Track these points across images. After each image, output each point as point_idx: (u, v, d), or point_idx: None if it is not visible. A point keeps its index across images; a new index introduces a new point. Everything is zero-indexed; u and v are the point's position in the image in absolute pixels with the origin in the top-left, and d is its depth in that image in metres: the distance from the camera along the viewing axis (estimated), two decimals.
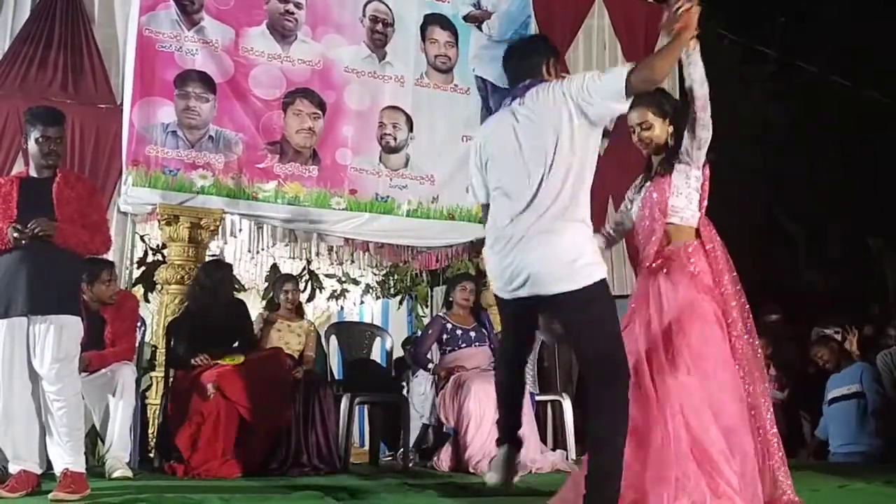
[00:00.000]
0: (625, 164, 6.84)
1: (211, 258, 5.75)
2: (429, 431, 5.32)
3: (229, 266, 5.26)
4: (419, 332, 6.37)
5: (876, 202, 10.88)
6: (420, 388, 5.29)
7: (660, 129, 3.08)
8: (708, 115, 2.95)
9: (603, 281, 2.70)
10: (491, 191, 2.93)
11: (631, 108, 2.84)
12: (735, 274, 3.03)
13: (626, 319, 2.98)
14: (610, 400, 2.64)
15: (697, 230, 3.05)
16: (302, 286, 6.43)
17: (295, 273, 6.51)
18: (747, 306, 3.01)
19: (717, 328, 2.90)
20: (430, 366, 5.14)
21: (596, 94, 2.70)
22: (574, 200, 2.72)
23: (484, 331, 5.23)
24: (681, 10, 2.86)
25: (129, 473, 4.14)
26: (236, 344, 4.71)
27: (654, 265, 3.01)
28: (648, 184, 3.11)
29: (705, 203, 3.07)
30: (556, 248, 2.68)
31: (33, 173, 3.68)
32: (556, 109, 2.74)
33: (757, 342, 3.00)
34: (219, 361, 4.49)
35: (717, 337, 2.89)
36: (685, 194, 3.03)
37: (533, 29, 6.68)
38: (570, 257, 2.67)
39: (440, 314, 5.35)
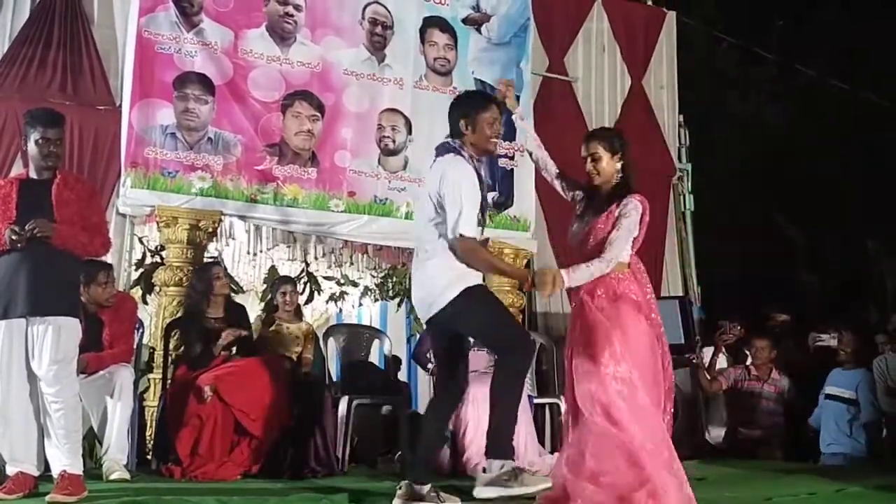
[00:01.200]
0: None
1: (208, 260, 5.74)
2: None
3: (219, 265, 5.25)
4: (418, 335, 6.38)
5: (874, 205, 10.90)
6: None
7: (607, 163, 3.47)
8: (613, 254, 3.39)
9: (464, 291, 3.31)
10: None
11: (584, 141, 3.52)
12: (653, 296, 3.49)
13: (579, 351, 3.37)
14: (502, 370, 3.36)
15: (629, 264, 3.45)
16: (300, 288, 6.42)
17: (293, 275, 6.50)
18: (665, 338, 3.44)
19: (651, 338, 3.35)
20: (430, 366, 5.14)
21: (447, 215, 3.33)
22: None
23: None
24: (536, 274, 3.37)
25: (127, 475, 4.14)
26: (234, 350, 4.71)
27: (590, 287, 3.39)
28: (592, 216, 3.47)
29: (639, 244, 3.48)
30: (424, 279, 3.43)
31: (33, 175, 3.69)
32: (433, 192, 3.40)
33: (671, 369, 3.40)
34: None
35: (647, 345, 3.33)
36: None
37: (532, 32, 6.69)
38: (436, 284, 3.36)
39: None
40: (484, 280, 3.61)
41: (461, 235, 3.29)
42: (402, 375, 6.59)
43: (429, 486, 3.35)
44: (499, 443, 3.34)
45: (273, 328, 5.20)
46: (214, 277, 4.83)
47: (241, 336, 4.66)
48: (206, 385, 4.33)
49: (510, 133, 6.47)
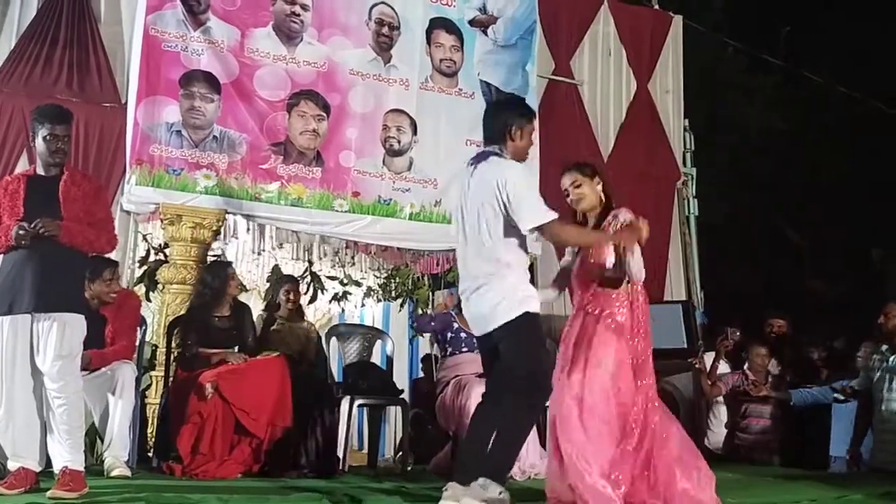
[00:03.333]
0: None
1: (213, 258, 5.75)
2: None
3: (231, 265, 5.26)
4: (419, 337, 6.40)
5: (879, 212, 10.88)
6: None
7: (588, 188, 3.57)
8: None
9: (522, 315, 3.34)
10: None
11: (561, 176, 3.61)
12: (649, 328, 3.50)
13: (559, 360, 3.48)
14: (520, 400, 3.32)
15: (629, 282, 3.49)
16: (303, 288, 6.43)
17: (297, 274, 6.51)
18: (651, 358, 3.45)
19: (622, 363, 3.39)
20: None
21: (516, 214, 3.32)
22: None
23: None
24: (622, 224, 3.42)
25: (128, 472, 4.15)
26: (236, 348, 4.71)
27: (585, 303, 3.49)
28: None
29: None
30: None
31: (40, 171, 3.70)
32: (488, 194, 3.36)
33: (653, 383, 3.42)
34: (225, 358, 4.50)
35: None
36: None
37: (538, 34, 6.69)
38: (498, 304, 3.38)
39: (451, 311, 5.34)
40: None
41: (548, 225, 3.32)
42: (402, 377, 6.59)
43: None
44: (500, 467, 3.31)
45: (274, 327, 5.20)
46: (230, 277, 4.85)
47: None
48: (208, 382, 4.33)
49: None
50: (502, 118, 3.52)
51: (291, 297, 5.28)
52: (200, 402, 4.32)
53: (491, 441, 3.29)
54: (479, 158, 3.49)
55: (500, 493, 3.22)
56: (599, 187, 3.59)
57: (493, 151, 3.48)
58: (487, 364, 3.60)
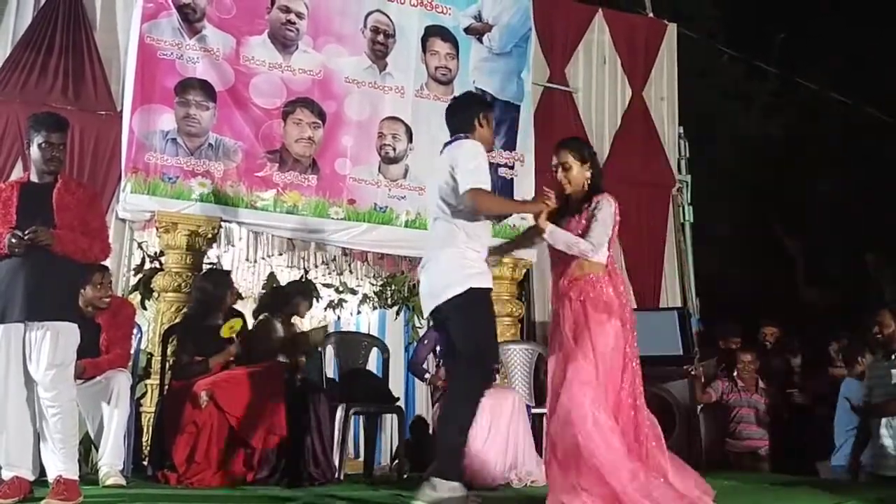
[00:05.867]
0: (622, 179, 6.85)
1: (209, 266, 5.74)
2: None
3: (230, 274, 5.27)
4: (416, 343, 6.36)
5: (874, 218, 10.91)
6: None
7: (577, 172, 3.56)
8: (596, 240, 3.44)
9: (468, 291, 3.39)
10: None
11: (554, 150, 3.62)
12: (633, 308, 3.58)
13: (556, 352, 3.47)
14: (461, 383, 3.42)
15: (606, 265, 3.49)
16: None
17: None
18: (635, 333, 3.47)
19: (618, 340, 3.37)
20: (427, 376, 5.13)
21: (457, 179, 3.43)
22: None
23: None
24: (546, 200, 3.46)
25: (123, 481, 4.12)
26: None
27: (564, 290, 3.46)
28: (565, 221, 3.52)
29: (613, 244, 3.54)
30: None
31: (34, 179, 3.69)
32: (446, 174, 3.49)
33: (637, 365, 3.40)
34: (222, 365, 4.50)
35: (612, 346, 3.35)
36: None
37: (533, 42, 6.71)
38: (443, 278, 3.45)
39: None
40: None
41: (472, 189, 3.37)
42: (398, 384, 6.58)
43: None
44: (449, 463, 3.34)
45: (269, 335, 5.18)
46: (230, 286, 4.85)
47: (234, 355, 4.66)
48: (203, 391, 4.32)
49: (510, 142, 6.49)
50: (470, 109, 3.68)
51: (300, 310, 5.29)
52: (195, 410, 4.30)
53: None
54: (449, 143, 3.65)
55: (450, 488, 3.25)
56: (588, 173, 3.57)
57: (460, 137, 3.62)
58: (444, 344, 3.71)
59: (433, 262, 3.53)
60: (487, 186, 3.45)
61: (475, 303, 3.42)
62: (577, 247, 3.44)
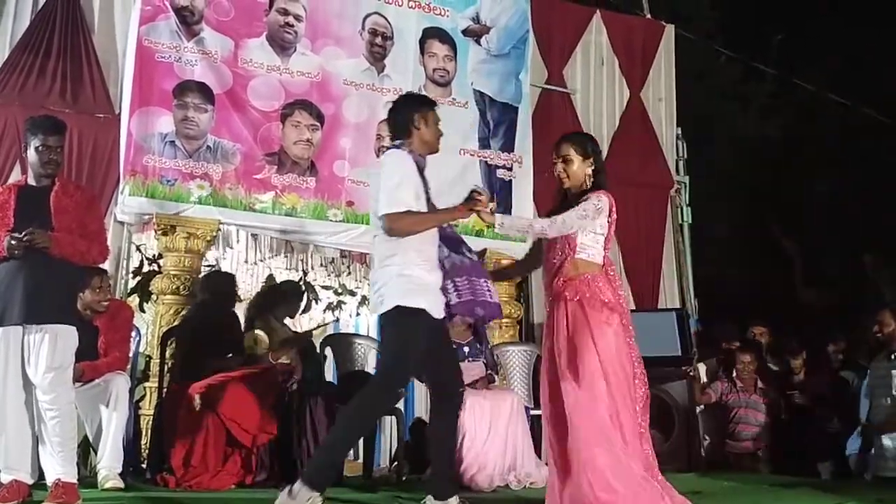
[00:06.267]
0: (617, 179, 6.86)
1: (208, 268, 5.73)
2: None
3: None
4: None
5: (872, 219, 10.92)
6: None
7: (578, 167, 3.42)
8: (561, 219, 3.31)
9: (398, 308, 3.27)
10: None
11: (555, 145, 3.49)
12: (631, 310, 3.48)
13: (555, 357, 3.32)
14: (359, 399, 3.32)
15: (602, 265, 3.38)
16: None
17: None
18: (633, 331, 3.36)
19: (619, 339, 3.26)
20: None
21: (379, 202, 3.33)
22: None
23: (479, 345, 5.23)
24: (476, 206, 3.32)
25: (121, 484, 4.11)
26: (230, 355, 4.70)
27: (559, 290, 3.34)
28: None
29: (609, 243, 3.42)
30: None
31: (32, 182, 3.69)
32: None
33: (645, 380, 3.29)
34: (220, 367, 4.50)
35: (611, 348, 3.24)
36: (591, 235, 3.36)
37: (531, 44, 6.72)
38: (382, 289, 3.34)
39: None
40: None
41: (386, 216, 3.27)
42: None
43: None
44: (318, 472, 3.30)
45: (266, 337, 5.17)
46: (236, 288, 4.85)
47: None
48: (197, 394, 4.32)
49: (508, 144, 6.49)
50: (407, 111, 3.48)
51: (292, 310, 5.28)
52: (191, 413, 4.30)
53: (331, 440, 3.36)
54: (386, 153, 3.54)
55: (309, 499, 3.18)
56: (590, 169, 3.43)
57: (395, 145, 3.48)
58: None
59: (375, 276, 3.44)
60: (411, 202, 3.29)
61: (401, 322, 3.30)
62: (533, 228, 3.37)
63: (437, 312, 3.34)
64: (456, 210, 3.36)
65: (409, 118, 3.45)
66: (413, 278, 3.31)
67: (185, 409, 4.33)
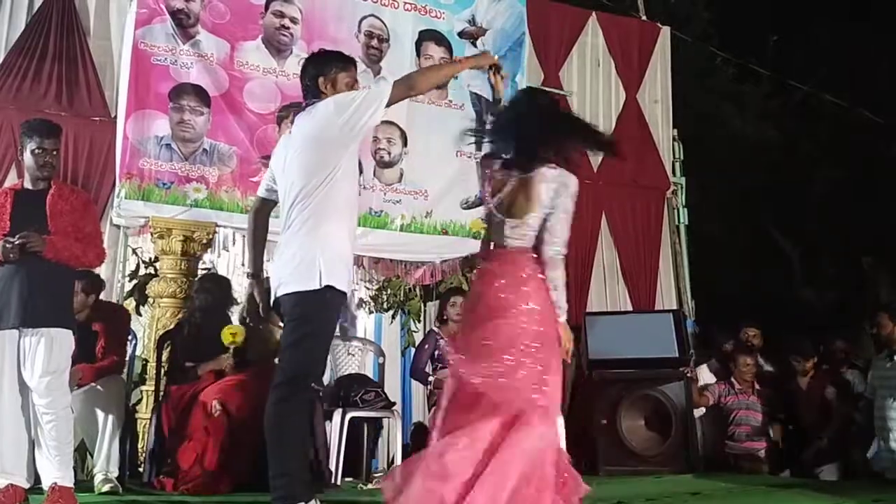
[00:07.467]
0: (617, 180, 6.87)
1: (203, 271, 5.72)
2: None
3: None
4: (412, 348, 6.35)
5: (870, 221, 10.93)
6: None
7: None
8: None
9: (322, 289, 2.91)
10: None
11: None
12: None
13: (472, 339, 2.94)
14: (290, 403, 2.95)
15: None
16: None
17: None
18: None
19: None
20: (431, 379, 5.14)
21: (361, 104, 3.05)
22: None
23: None
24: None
25: (118, 488, 4.11)
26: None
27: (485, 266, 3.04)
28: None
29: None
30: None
31: (28, 185, 3.70)
32: (314, 130, 3.07)
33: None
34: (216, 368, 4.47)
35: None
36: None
37: (527, 46, 6.72)
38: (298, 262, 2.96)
39: (434, 329, 5.34)
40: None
41: (393, 85, 3.07)
42: (395, 389, 6.56)
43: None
44: (291, 489, 2.85)
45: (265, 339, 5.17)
46: (232, 291, 4.83)
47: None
48: (214, 400, 4.30)
49: None
50: (312, 72, 3.20)
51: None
52: (206, 418, 4.27)
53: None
54: (297, 114, 3.23)
55: None
56: None
57: (311, 103, 3.18)
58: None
59: (286, 242, 3.11)
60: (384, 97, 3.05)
61: (324, 308, 3.00)
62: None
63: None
64: (472, 57, 3.18)
65: (313, 80, 3.19)
66: (343, 255, 3.02)
67: (195, 412, 4.31)
